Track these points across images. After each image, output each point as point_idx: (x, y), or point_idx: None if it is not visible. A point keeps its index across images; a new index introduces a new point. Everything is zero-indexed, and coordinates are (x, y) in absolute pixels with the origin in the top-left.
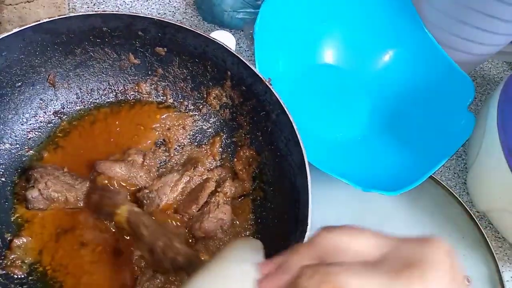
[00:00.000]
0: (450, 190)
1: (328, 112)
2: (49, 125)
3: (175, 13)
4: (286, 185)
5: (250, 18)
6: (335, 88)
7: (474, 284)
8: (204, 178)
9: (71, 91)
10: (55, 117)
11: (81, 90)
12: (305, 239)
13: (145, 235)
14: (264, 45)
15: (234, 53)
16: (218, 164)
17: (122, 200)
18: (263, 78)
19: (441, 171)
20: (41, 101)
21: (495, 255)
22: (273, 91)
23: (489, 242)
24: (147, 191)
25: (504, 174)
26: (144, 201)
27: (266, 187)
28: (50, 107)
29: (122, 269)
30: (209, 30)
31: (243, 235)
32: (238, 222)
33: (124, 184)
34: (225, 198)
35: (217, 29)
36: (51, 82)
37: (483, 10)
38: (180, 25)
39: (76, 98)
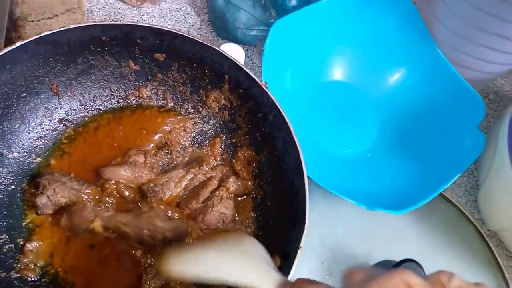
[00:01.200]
0: (461, 208)
1: (338, 129)
2: (54, 132)
3: (190, 29)
4: (285, 185)
5: (263, 35)
6: (345, 105)
7: None
8: (208, 176)
9: (74, 99)
10: (60, 124)
11: (84, 98)
12: (303, 238)
13: (129, 231)
14: (273, 63)
15: (230, 58)
16: (220, 163)
17: (89, 212)
18: (259, 82)
19: (452, 188)
20: (46, 110)
21: (506, 274)
22: (269, 93)
23: (499, 261)
24: (152, 184)
25: None
26: (148, 193)
27: (266, 186)
28: (55, 115)
29: (129, 268)
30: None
31: (244, 231)
32: (239, 218)
33: (132, 186)
34: (228, 193)
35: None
36: (55, 91)
37: (494, 30)
38: (177, 32)
39: (80, 105)
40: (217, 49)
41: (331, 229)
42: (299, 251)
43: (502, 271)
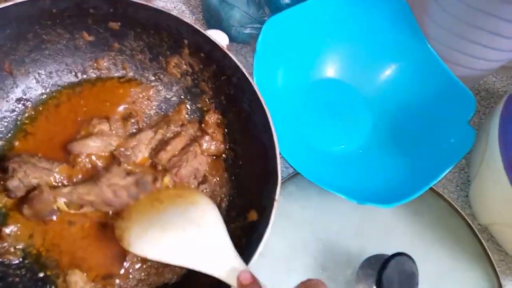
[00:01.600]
0: (452, 202)
1: (330, 126)
2: (13, 113)
3: None
4: (254, 143)
5: (256, 33)
6: (338, 102)
7: None
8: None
9: (29, 77)
10: (18, 104)
11: (40, 74)
12: (277, 190)
13: (93, 200)
14: (265, 60)
15: (186, 21)
16: (189, 121)
17: (48, 194)
18: (219, 44)
19: (444, 184)
20: (1, 91)
21: (496, 268)
22: (231, 56)
23: (490, 256)
24: (122, 149)
25: (505, 188)
26: (121, 158)
27: (236, 147)
28: (11, 95)
29: (113, 237)
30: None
31: (219, 191)
32: (212, 179)
33: (103, 154)
34: (201, 150)
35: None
36: (8, 70)
37: (485, 27)
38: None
39: (36, 82)
40: (171, 13)
41: (324, 225)
42: (275, 203)
43: (493, 265)
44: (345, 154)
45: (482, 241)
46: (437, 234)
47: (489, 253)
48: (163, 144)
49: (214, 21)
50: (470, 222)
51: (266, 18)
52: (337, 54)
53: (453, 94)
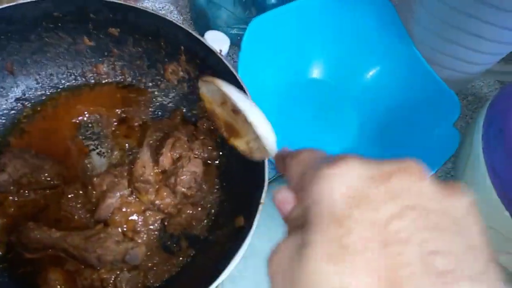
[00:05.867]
0: None
1: (318, 128)
2: (12, 111)
3: None
4: None
5: (243, 34)
6: (325, 104)
7: None
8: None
9: (30, 77)
10: (17, 103)
11: (40, 76)
12: (263, 194)
13: (76, 255)
14: (251, 61)
15: (184, 28)
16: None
17: (35, 236)
18: (214, 50)
19: None
20: (2, 89)
21: None
22: (225, 62)
23: None
24: (137, 184)
25: (488, 190)
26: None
27: (228, 153)
28: (11, 94)
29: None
30: None
31: (210, 197)
32: (205, 187)
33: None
34: (194, 154)
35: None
36: (10, 70)
37: (469, 30)
38: (130, 5)
39: (36, 83)
40: (170, 20)
41: None
42: (260, 206)
43: None
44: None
45: None
46: None
47: None
48: (157, 150)
49: (201, 21)
50: None
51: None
52: (324, 55)
53: (438, 96)
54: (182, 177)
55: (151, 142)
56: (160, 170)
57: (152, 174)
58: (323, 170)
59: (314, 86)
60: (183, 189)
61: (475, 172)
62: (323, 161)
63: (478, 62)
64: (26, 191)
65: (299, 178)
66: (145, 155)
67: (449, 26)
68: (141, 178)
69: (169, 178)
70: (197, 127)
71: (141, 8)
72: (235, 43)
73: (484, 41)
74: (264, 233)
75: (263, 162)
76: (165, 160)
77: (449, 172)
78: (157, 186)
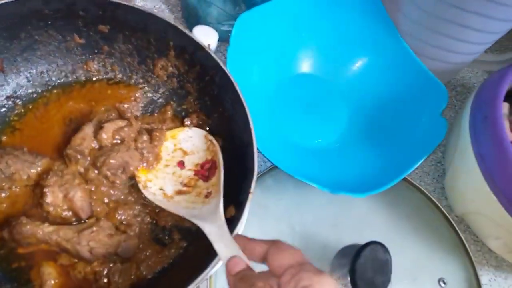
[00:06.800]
0: (428, 194)
1: (307, 121)
2: (2, 110)
3: None
4: (236, 142)
5: None
6: (314, 97)
7: None
8: None
9: (20, 75)
10: (8, 101)
11: (31, 74)
12: (253, 184)
13: (69, 249)
14: (239, 56)
15: (173, 23)
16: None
17: (28, 231)
18: (202, 45)
19: (420, 176)
20: None
21: (473, 258)
22: (213, 56)
23: (467, 246)
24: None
25: (476, 177)
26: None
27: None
28: (2, 92)
29: None
30: None
31: None
32: None
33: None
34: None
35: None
36: (0, 68)
37: (455, 20)
38: (118, 1)
39: (27, 81)
40: (158, 16)
41: (301, 217)
42: (250, 195)
43: (469, 255)
44: (322, 148)
45: (459, 231)
46: (414, 225)
47: (466, 244)
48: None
49: (192, 19)
50: (447, 214)
51: None
52: (312, 49)
53: (426, 86)
54: (111, 160)
55: (102, 120)
56: (97, 146)
57: (88, 148)
58: None
59: (303, 80)
60: (107, 172)
61: (464, 160)
62: None
63: (465, 52)
64: (18, 188)
65: None
66: (89, 129)
67: (435, 17)
68: (77, 147)
69: (100, 156)
70: (184, 123)
71: (129, 4)
72: (226, 39)
73: (470, 30)
74: (255, 224)
75: (252, 152)
76: (106, 135)
77: (439, 161)
78: (87, 162)
